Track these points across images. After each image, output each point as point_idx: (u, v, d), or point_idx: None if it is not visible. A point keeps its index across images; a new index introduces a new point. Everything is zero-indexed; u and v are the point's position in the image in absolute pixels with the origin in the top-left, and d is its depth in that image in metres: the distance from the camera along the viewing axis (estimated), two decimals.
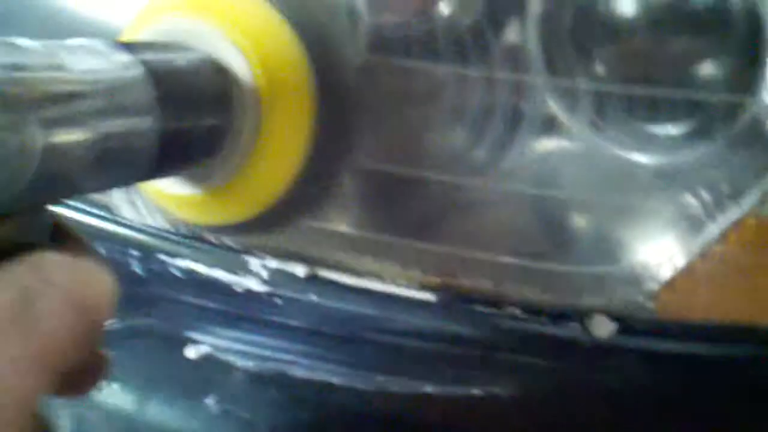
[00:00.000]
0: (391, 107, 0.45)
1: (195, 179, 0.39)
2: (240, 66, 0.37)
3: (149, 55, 0.32)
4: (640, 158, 0.43)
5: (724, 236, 0.43)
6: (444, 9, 0.43)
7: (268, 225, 0.44)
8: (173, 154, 0.34)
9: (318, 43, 0.40)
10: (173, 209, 0.42)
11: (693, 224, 0.44)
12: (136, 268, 0.50)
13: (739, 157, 0.42)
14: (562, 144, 0.43)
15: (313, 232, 0.47)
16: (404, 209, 0.46)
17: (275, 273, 0.48)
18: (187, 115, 0.34)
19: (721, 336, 0.45)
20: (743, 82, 0.41)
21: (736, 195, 0.43)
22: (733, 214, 0.43)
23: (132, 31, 0.39)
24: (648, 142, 0.43)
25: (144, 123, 0.30)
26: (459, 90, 0.43)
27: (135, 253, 0.50)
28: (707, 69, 0.42)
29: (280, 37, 0.39)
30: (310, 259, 0.48)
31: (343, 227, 0.47)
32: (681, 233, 0.44)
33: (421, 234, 0.46)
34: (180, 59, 0.35)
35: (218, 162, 0.38)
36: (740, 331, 0.44)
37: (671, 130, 0.43)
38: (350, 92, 0.43)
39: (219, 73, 0.37)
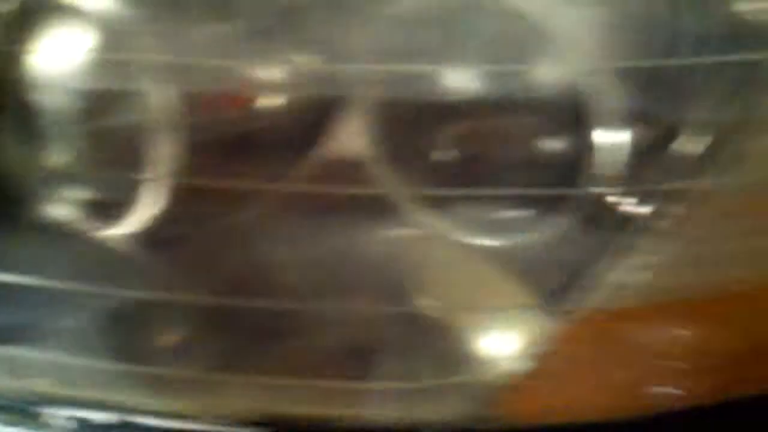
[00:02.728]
0: None
1: None
2: None
3: None
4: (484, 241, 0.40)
5: (571, 329, 0.39)
6: None
7: None
8: None
9: None
10: None
11: (535, 319, 0.39)
12: None
13: (579, 247, 0.39)
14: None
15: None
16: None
17: (76, 423, 0.42)
18: None
19: None
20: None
21: (580, 286, 0.39)
22: (579, 304, 0.39)
23: None
24: (489, 226, 0.39)
25: None
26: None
27: None
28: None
29: None
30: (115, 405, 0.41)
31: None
32: (523, 330, 0.40)
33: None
34: None
35: None
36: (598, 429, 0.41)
37: (512, 213, 0.39)
38: None
39: None
